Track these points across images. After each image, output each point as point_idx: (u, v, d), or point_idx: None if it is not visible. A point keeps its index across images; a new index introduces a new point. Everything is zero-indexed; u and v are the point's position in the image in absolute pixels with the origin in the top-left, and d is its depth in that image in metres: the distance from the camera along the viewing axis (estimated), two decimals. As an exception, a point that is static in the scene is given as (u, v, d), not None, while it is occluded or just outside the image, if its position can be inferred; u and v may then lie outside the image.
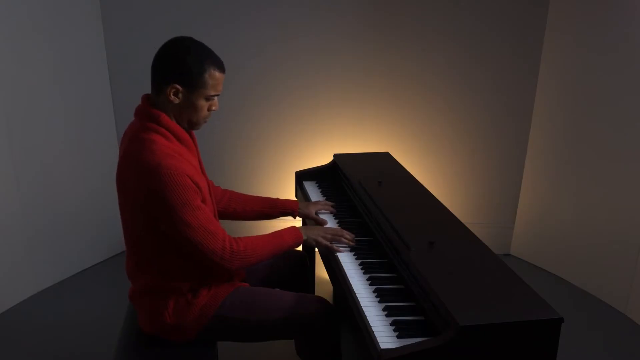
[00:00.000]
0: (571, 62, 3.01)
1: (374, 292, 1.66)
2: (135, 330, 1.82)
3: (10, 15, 2.62)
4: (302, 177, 2.65)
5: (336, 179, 2.61)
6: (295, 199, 2.73)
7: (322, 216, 2.17)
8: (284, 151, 3.35)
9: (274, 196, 3.36)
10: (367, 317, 1.52)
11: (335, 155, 2.69)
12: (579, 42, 2.95)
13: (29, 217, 2.86)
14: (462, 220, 1.99)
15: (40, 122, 2.85)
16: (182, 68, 1.59)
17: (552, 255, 3.27)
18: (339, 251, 1.89)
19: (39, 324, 2.70)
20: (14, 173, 2.75)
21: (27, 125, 2.79)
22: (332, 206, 2.24)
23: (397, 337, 1.43)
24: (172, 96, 1.62)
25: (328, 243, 1.89)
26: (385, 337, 1.43)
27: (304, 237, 1.85)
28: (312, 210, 2.17)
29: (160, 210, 1.57)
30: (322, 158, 3.22)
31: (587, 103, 2.96)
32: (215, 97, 1.68)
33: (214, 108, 1.69)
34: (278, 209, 2.13)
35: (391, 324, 1.48)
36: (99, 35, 3.07)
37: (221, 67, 1.66)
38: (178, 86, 1.61)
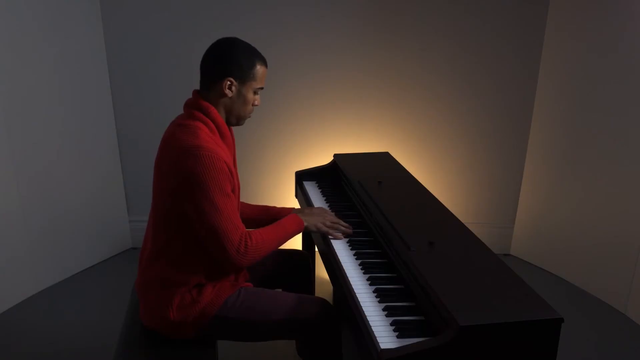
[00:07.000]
0: (571, 62, 3.01)
1: (374, 292, 1.66)
2: (137, 330, 1.82)
3: (10, 14, 2.62)
4: (302, 177, 2.65)
5: (336, 179, 2.61)
6: (295, 200, 2.73)
7: None
8: (284, 151, 3.35)
9: (274, 196, 3.40)
10: (367, 317, 1.52)
11: (335, 155, 2.69)
12: (579, 42, 2.95)
13: (29, 217, 2.86)
14: (462, 220, 1.99)
15: (40, 122, 2.85)
16: (235, 62, 1.71)
17: (552, 255, 3.27)
18: (337, 237, 1.97)
19: (39, 324, 2.70)
20: (14, 173, 2.75)
21: (27, 125, 2.79)
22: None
23: (397, 337, 1.43)
24: (226, 90, 1.72)
25: (328, 229, 1.97)
26: (385, 337, 1.43)
27: (305, 224, 1.92)
28: None
29: (191, 190, 1.61)
30: (322, 158, 3.22)
31: (587, 103, 2.96)
32: (259, 92, 1.80)
33: (256, 103, 1.80)
34: (271, 216, 2.12)
35: (391, 324, 1.49)
36: (99, 35, 3.07)
37: (266, 62, 1.79)
38: (232, 79, 1.72)
